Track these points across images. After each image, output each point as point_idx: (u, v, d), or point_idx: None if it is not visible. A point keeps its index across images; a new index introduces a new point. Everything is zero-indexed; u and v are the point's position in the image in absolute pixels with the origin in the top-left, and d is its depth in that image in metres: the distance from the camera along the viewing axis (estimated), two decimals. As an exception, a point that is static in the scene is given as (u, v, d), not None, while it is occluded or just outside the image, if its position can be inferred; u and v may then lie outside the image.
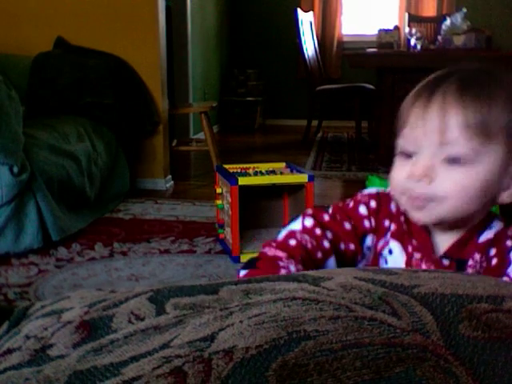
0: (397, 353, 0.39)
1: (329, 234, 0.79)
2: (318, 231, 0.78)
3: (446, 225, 0.75)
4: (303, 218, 0.81)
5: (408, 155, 0.74)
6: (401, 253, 0.78)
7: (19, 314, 0.55)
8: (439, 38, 4.35)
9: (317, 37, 5.64)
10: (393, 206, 0.80)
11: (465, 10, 4.39)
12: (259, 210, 2.39)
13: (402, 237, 0.78)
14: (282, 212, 2.44)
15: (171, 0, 4.59)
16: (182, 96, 4.93)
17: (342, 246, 0.79)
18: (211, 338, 0.41)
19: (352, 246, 0.79)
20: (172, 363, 0.39)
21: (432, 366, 0.38)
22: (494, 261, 0.73)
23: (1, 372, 0.44)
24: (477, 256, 0.74)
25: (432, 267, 0.75)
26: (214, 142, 3.66)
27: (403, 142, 0.75)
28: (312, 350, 0.39)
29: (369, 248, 0.80)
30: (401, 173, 0.74)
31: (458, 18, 4.28)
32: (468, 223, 0.75)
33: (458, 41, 4.16)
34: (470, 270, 0.74)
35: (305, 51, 5.02)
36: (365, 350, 0.39)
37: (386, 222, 0.79)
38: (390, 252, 0.78)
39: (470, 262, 0.74)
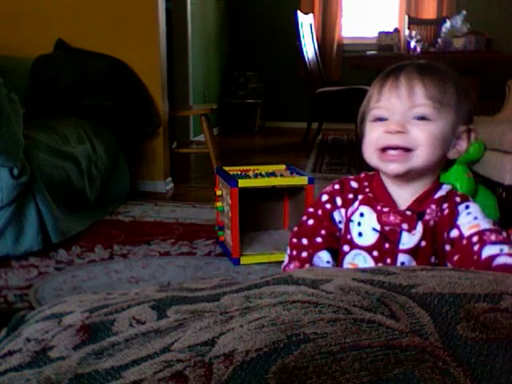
0: (395, 355, 0.39)
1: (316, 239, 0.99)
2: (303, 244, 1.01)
3: (407, 178, 0.94)
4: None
5: (382, 120, 0.94)
6: (371, 213, 0.95)
7: (17, 319, 0.55)
8: (439, 40, 4.35)
9: (317, 39, 5.64)
10: (353, 183, 1.00)
11: (465, 12, 4.40)
12: (259, 212, 2.39)
13: (370, 202, 0.96)
14: (282, 214, 2.44)
15: (171, 2, 4.60)
16: (182, 98, 4.94)
17: (321, 233, 0.99)
18: (212, 342, 0.41)
19: (323, 232, 0.99)
20: (173, 367, 0.39)
21: (430, 368, 0.38)
22: (446, 211, 0.93)
23: (2, 373, 0.44)
24: (433, 207, 0.94)
25: (398, 217, 0.93)
26: (214, 144, 3.66)
27: (377, 111, 0.95)
28: (311, 353, 0.39)
29: (340, 221, 1.00)
30: (377, 132, 0.94)
31: (458, 20, 4.29)
32: (423, 178, 0.94)
33: (458, 43, 4.16)
34: (427, 217, 0.93)
35: (305, 53, 5.02)
36: (363, 352, 0.39)
37: (350, 195, 0.99)
38: (362, 215, 0.96)
39: (428, 211, 0.93)
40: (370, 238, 0.95)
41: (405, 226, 0.93)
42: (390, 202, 0.96)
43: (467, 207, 0.93)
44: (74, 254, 2.21)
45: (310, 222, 1.01)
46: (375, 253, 0.95)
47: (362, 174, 1.02)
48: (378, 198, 0.96)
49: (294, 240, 1.01)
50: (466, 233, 0.90)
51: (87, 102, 2.94)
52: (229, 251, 2.15)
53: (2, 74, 2.23)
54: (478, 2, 5.71)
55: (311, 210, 1.03)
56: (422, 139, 0.90)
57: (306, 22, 5.20)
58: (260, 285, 0.50)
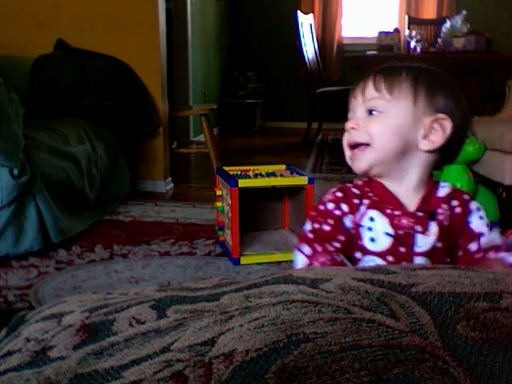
0: (395, 354, 0.39)
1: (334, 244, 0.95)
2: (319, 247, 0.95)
3: (380, 175, 0.95)
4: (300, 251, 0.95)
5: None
6: (381, 217, 0.93)
7: (17, 319, 0.55)
8: (439, 40, 4.35)
9: (317, 39, 5.64)
10: (354, 189, 0.99)
11: (465, 12, 4.40)
12: (259, 212, 2.39)
13: (377, 205, 0.94)
14: (282, 214, 2.44)
15: (171, 2, 4.60)
16: (182, 98, 4.94)
17: (339, 239, 0.95)
18: (211, 342, 0.41)
19: (341, 237, 0.95)
20: (173, 367, 0.39)
21: (430, 368, 0.38)
22: (458, 209, 0.93)
23: (1, 373, 0.44)
24: (444, 206, 0.93)
25: (411, 219, 0.92)
26: (214, 144, 3.66)
27: (349, 113, 0.99)
28: (311, 353, 0.39)
29: (350, 227, 0.96)
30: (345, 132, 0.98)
31: (458, 20, 4.28)
32: (404, 175, 0.94)
33: (458, 43, 4.16)
34: (441, 217, 0.92)
35: (305, 53, 5.02)
36: (363, 351, 0.39)
37: (356, 200, 0.96)
38: (372, 219, 0.94)
39: (440, 211, 0.92)
40: (383, 243, 0.92)
41: (418, 228, 0.91)
42: (398, 204, 0.94)
43: (478, 209, 0.95)
44: (74, 253, 2.21)
45: (326, 228, 0.96)
46: (390, 258, 0.92)
47: (359, 182, 1.00)
48: (385, 201, 0.95)
49: (315, 246, 0.95)
50: (482, 244, 0.92)
51: (87, 102, 2.94)
52: (229, 251, 2.15)
53: (1, 74, 2.23)
54: (478, 2, 5.71)
55: (320, 219, 0.98)
56: (374, 131, 0.92)
57: (306, 22, 5.20)
58: (260, 284, 0.50)
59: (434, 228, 0.91)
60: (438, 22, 5.01)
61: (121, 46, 3.12)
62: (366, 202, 0.96)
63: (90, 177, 2.63)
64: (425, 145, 0.93)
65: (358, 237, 0.94)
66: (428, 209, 0.93)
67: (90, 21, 3.16)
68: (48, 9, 3.18)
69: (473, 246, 0.93)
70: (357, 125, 0.94)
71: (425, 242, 0.91)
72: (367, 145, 0.93)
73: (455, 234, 0.93)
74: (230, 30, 6.31)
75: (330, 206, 0.98)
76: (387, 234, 0.92)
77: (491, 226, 0.95)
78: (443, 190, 0.95)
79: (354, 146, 0.96)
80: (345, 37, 6.23)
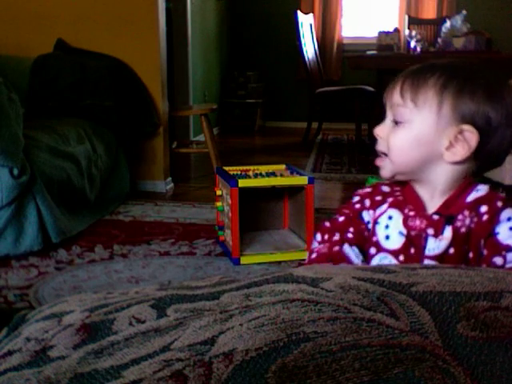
0: (395, 354, 0.39)
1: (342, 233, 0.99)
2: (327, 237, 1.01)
3: (408, 177, 0.94)
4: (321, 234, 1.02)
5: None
6: (399, 216, 0.93)
7: (18, 319, 0.55)
8: (439, 40, 4.35)
9: (317, 39, 5.63)
10: (384, 187, 0.99)
11: (465, 12, 4.40)
12: (259, 212, 2.39)
13: (399, 204, 0.94)
14: (282, 214, 2.44)
15: (171, 2, 4.60)
16: (182, 98, 4.94)
17: (350, 230, 0.98)
18: (211, 341, 0.41)
19: (352, 229, 0.98)
20: (173, 367, 0.39)
21: (430, 367, 0.38)
22: (485, 217, 0.87)
23: (1, 373, 0.44)
24: (466, 212, 0.88)
25: (424, 221, 0.90)
26: (214, 144, 3.66)
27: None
28: (311, 352, 0.39)
29: (369, 222, 0.98)
30: None
31: (458, 20, 4.29)
32: (434, 179, 0.91)
33: (458, 43, 4.16)
34: (458, 224, 0.87)
35: (305, 53, 5.02)
36: (363, 351, 0.39)
37: (379, 197, 0.97)
38: (390, 218, 0.94)
39: (460, 217, 0.88)
40: (396, 241, 0.92)
41: (430, 231, 0.89)
42: (420, 205, 0.92)
43: (510, 219, 0.86)
44: (74, 253, 2.21)
45: (341, 218, 1.01)
46: (401, 257, 0.92)
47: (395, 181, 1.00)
48: (408, 201, 0.94)
49: (325, 234, 1.01)
50: (507, 263, 0.85)
51: (87, 102, 2.94)
52: (229, 251, 2.15)
53: (2, 74, 2.23)
54: (478, 2, 5.71)
55: (344, 210, 1.02)
56: (392, 144, 0.91)
57: (306, 22, 5.20)
58: (260, 283, 0.50)
59: (448, 233, 0.88)
60: (438, 21, 5.01)
61: (121, 46, 3.12)
62: (389, 200, 0.96)
63: (90, 177, 2.63)
64: (448, 156, 0.88)
65: (374, 232, 0.95)
66: (447, 212, 0.89)
67: (89, 21, 3.16)
68: (48, 9, 3.18)
69: (498, 260, 0.85)
70: (382, 132, 0.93)
71: (436, 245, 0.88)
72: (387, 155, 0.92)
73: (476, 243, 0.87)
74: (230, 30, 6.31)
75: (355, 198, 1.01)
76: (401, 233, 0.92)
77: None
78: (475, 194, 0.89)
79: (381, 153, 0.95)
80: (345, 37, 6.23)
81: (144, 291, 0.53)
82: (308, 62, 5.05)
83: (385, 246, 0.93)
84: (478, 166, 0.91)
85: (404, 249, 0.91)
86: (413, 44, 4.32)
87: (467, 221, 0.87)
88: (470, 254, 0.87)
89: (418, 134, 0.89)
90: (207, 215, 2.71)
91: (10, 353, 0.47)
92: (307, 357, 0.39)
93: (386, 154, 0.92)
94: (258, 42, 6.29)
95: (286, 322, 0.42)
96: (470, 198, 0.89)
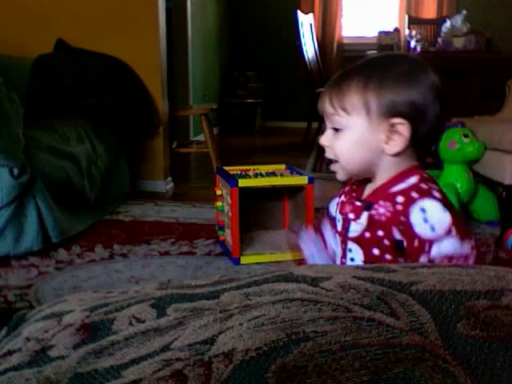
0: (395, 353, 0.39)
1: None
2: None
3: (362, 176, 0.99)
4: None
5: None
6: (339, 200, 1.04)
7: (18, 319, 0.55)
8: (439, 40, 4.35)
9: (317, 39, 5.63)
10: (354, 180, 1.05)
11: (465, 12, 4.40)
12: (259, 211, 2.39)
13: (345, 193, 1.04)
14: (282, 214, 2.44)
15: (171, 2, 4.59)
16: (182, 98, 4.93)
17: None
18: (211, 340, 0.41)
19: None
20: (173, 366, 0.39)
21: (430, 367, 0.38)
22: (399, 207, 0.91)
23: (1, 373, 0.44)
24: (381, 202, 0.94)
25: (350, 207, 0.99)
26: (214, 144, 3.66)
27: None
28: (311, 352, 0.39)
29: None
30: None
31: (458, 20, 4.28)
32: (379, 173, 0.97)
33: (458, 43, 4.16)
34: (373, 212, 0.94)
35: (305, 53, 5.02)
36: (363, 350, 0.39)
37: (346, 188, 1.05)
38: (337, 204, 1.04)
39: (375, 206, 0.94)
40: (339, 224, 1.02)
41: (351, 215, 0.97)
42: (357, 194, 1.00)
43: (423, 211, 0.89)
44: (74, 253, 2.21)
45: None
46: (339, 238, 1.02)
47: None
48: (354, 190, 1.02)
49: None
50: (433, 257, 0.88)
51: (87, 102, 2.94)
52: (229, 251, 2.15)
53: (2, 74, 2.23)
54: (478, 2, 5.71)
55: None
56: (338, 150, 0.96)
57: (306, 22, 5.20)
58: (260, 282, 0.50)
59: (364, 218, 0.95)
60: (438, 21, 5.01)
61: (121, 46, 3.12)
62: (345, 189, 1.05)
63: (90, 177, 2.63)
64: (389, 149, 0.93)
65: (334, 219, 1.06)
66: (368, 200, 0.97)
67: (89, 21, 3.16)
68: (48, 9, 3.18)
69: (422, 258, 0.89)
70: (326, 141, 0.97)
71: (355, 228, 0.97)
72: (337, 161, 0.98)
73: (389, 230, 0.91)
74: (230, 30, 6.31)
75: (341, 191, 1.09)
76: (339, 218, 1.02)
77: (449, 231, 0.88)
78: (401, 185, 0.93)
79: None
80: (345, 36, 6.23)
81: (144, 290, 0.53)
82: (308, 62, 5.05)
83: (337, 226, 1.03)
84: (421, 147, 0.96)
85: (340, 231, 1.01)
86: (413, 44, 4.32)
87: (381, 209, 0.93)
88: (386, 242, 0.92)
89: (358, 136, 0.94)
90: (207, 215, 2.71)
91: (9, 352, 0.47)
92: (307, 356, 0.39)
93: (336, 161, 0.98)
94: (258, 42, 6.29)
95: (286, 321, 0.42)
96: (395, 188, 0.94)
